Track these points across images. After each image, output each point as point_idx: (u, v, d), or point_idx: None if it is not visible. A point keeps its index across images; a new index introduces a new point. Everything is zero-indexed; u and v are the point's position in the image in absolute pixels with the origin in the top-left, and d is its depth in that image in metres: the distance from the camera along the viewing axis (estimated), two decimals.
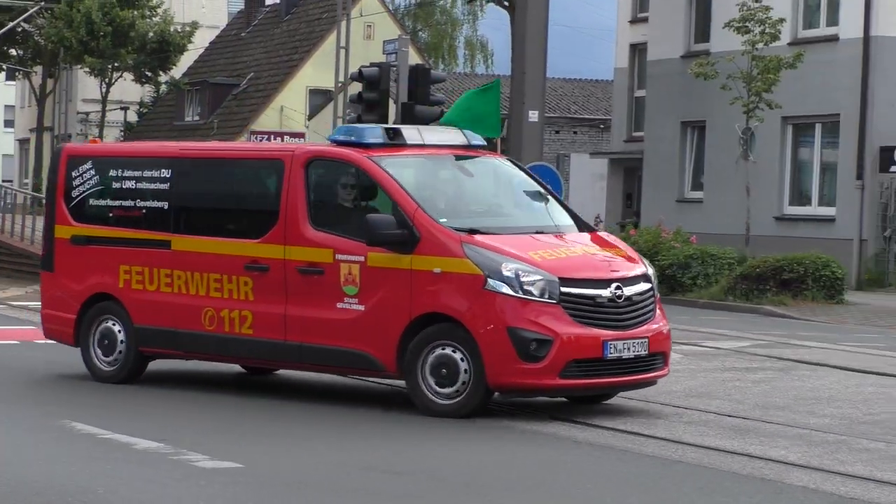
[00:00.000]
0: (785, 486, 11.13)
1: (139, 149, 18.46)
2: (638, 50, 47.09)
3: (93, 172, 16.18)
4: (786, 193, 39.27)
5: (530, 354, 13.59)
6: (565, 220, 15.15)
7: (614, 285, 14.03)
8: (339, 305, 14.39)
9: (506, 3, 39.55)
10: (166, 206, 15.66)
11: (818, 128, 39.20)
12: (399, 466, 11.79)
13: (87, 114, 71.50)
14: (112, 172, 16.17)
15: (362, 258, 14.23)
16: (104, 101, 63.95)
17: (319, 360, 14.76)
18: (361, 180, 14.69)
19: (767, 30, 35.74)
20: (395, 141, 14.86)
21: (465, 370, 13.74)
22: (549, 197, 15.69)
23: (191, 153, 16.82)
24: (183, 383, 16.40)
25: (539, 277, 13.73)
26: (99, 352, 15.90)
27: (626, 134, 48.14)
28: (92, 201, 16.21)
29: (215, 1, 71.92)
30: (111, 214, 16.11)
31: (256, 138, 56.00)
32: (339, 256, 14.38)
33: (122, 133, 69.21)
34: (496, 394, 14.17)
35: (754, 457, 12.24)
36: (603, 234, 15.86)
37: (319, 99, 59.61)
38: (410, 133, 15.12)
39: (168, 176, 15.67)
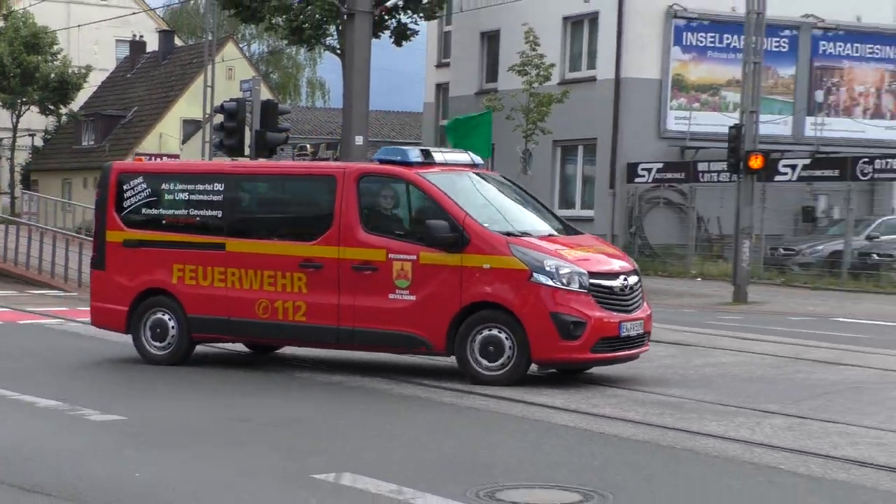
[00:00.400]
0: (551, 425, 11.32)
1: (190, 166, 17.20)
2: (442, 88, 47.27)
3: (144, 186, 15.38)
4: (556, 199, 39.74)
5: (569, 334, 13.32)
6: (558, 224, 14.91)
7: (622, 277, 13.89)
8: (391, 296, 13.82)
9: (338, 52, 39.43)
10: (220, 214, 14.95)
11: (580, 149, 39.78)
12: (260, 417, 11.79)
13: (1, 139, 69.66)
14: (164, 186, 15.39)
15: (414, 257, 13.74)
16: (14, 129, 62.55)
17: (371, 341, 14.18)
18: (412, 192, 14.14)
19: (541, 72, 36.08)
20: (428, 160, 14.40)
21: (510, 347, 13.42)
22: (542, 206, 15.51)
23: (244, 170, 16.25)
24: (80, 354, 16.20)
25: (573, 271, 13.43)
26: (151, 338, 15.10)
27: None
28: (144, 210, 15.39)
29: (105, 48, 70.34)
30: (164, 221, 15.29)
31: (145, 158, 55.57)
32: (392, 256, 13.83)
33: (31, 155, 67.77)
34: (533, 366, 13.72)
35: (527, 403, 12.43)
36: (592, 236, 15.71)
37: (191, 127, 58.67)
38: (437, 154, 14.67)
39: (221, 189, 14.94)
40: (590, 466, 9.54)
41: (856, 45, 40.24)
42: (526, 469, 9.45)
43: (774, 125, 37.10)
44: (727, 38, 38.23)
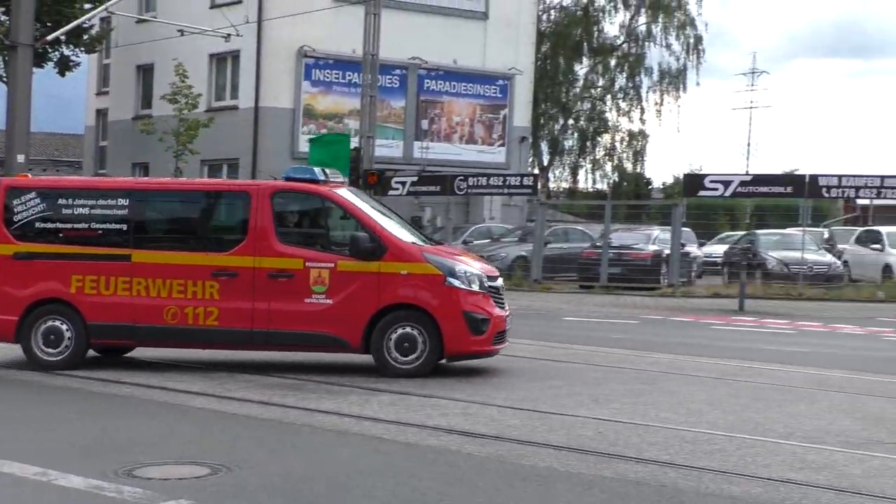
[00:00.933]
0: (188, 409, 11.00)
1: (93, 182, 15.14)
2: (102, 113, 45.73)
3: (38, 201, 13.72)
4: None
5: (478, 329, 13.14)
6: (421, 235, 14.43)
7: (499, 279, 13.85)
8: (308, 300, 13.06)
9: (4, 79, 37.48)
10: (126, 227, 13.56)
11: (225, 167, 39.28)
12: None
13: None
14: (62, 201, 13.75)
15: (332, 265, 13.07)
16: None
17: (287, 342, 13.30)
18: (326, 206, 13.55)
19: (190, 101, 35.51)
20: (326, 179, 13.74)
21: (423, 343, 13.07)
22: (401, 218, 14.90)
23: (154, 186, 14.74)
24: None
25: (476, 274, 13.29)
26: (43, 345, 13.50)
27: (94, 171, 46.53)
28: (38, 224, 13.70)
29: None
30: (61, 234, 13.68)
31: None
32: (309, 264, 13.08)
33: None
34: (444, 359, 13.39)
35: (168, 389, 12.03)
36: (450, 245, 15.33)
37: None
38: (328, 173, 14.01)
39: (126, 203, 13.58)
40: (220, 443, 9.29)
41: (453, 83, 41.56)
42: (163, 448, 9.10)
43: (388, 148, 37.88)
44: (349, 75, 38.60)
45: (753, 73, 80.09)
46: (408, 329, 13.16)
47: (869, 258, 33.47)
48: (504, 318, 13.65)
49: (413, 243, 13.52)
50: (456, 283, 13.16)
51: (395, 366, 13.18)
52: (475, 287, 13.27)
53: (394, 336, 13.16)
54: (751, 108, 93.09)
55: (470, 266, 13.50)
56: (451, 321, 13.12)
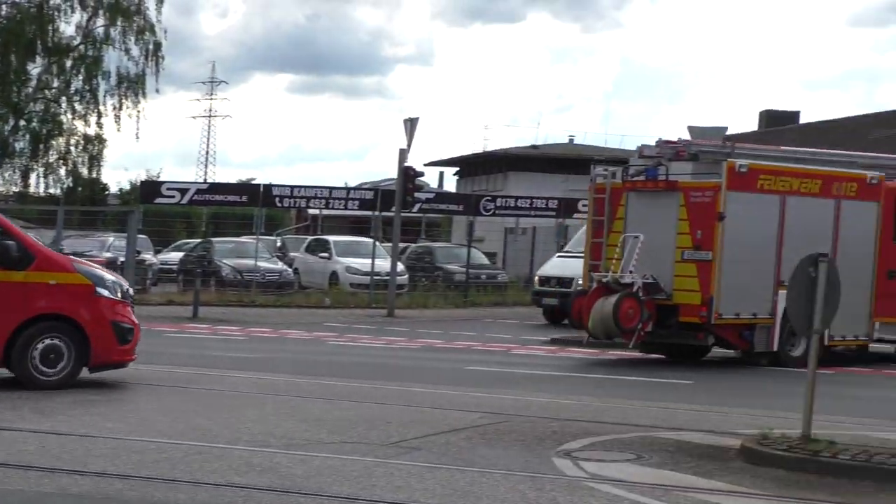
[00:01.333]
0: None
1: None
2: None
3: None
4: None
5: (124, 339, 13.09)
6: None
7: (131, 289, 13.92)
8: None
9: None
10: None
11: None
12: None
13: None
14: None
15: None
16: None
17: None
18: None
19: None
20: None
21: (69, 354, 12.76)
22: None
23: None
24: None
25: (121, 284, 13.31)
26: None
27: None
28: None
29: None
30: None
31: None
32: None
33: None
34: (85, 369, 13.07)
35: None
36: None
37: None
38: None
39: None
40: None
41: None
42: None
43: None
44: None
45: (213, 82, 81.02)
46: (55, 340, 12.87)
47: (318, 266, 35.07)
48: (139, 328, 13.70)
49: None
50: (105, 293, 13.07)
51: (39, 378, 12.80)
52: (120, 296, 13.25)
53: (40, 347, 12.81)
54: (210, 116, 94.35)
55: (115, 276, 13.62)
56: (100, 331, 12.98)
